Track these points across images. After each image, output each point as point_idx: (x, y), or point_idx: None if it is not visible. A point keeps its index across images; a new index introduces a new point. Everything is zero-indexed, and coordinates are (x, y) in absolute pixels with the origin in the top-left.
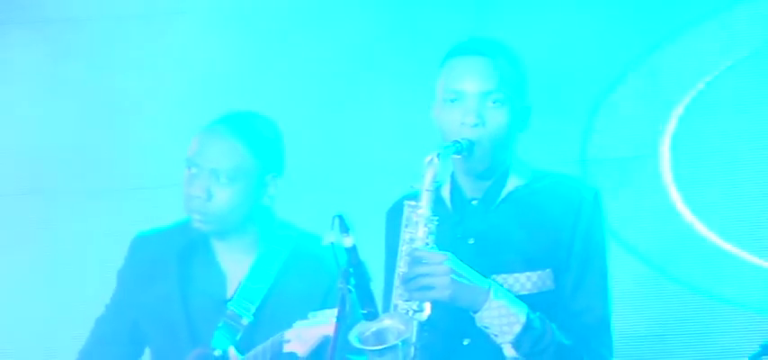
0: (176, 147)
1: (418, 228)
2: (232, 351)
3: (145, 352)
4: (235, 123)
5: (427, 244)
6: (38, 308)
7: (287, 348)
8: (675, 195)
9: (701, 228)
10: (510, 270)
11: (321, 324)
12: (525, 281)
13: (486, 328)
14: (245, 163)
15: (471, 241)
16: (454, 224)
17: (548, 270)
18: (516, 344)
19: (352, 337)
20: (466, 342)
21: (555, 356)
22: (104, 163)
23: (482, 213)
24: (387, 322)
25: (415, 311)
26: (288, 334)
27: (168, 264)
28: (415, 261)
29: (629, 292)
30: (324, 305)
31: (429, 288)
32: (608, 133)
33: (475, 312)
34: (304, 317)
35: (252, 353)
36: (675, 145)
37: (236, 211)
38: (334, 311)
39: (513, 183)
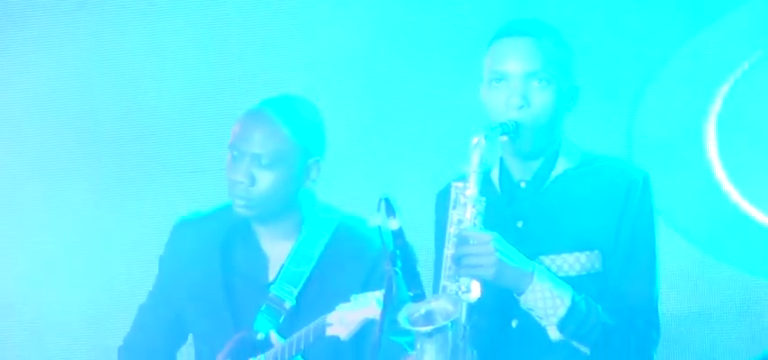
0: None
1: (466, 209)
2: (273, 335)
3: (188, 337)
4: (276, 107)
5: (474, 225)
6: (83, 290)
7: (329, 332)
8: (721, 175)
9: (747, 207)
10: (558, 251)
11: (363, 307)
12: (574, 262)
13: (530, 310)
14: (287, 146)
15: (520, 224)
16: (503, 207)
17: (596, 252)
18: (561, 326)
19: (402, 319)
20: (514, 323)
21: (601, 338)
22: (145, 147)
23: (531, 196)
24: (435, 304)
25: (464, 292)
26: (330, 317)
27: (210, 249)
28: (461, 241)
29: (675, 273)
30: (365, 288)
31: (476, 267)
32: (653, 114)
33: (519, 294)
34: (346, 300)
35: (294, 336)
36: (721, 125)
37: (279, 196)
38: (377, 294)
39: (561, 165)
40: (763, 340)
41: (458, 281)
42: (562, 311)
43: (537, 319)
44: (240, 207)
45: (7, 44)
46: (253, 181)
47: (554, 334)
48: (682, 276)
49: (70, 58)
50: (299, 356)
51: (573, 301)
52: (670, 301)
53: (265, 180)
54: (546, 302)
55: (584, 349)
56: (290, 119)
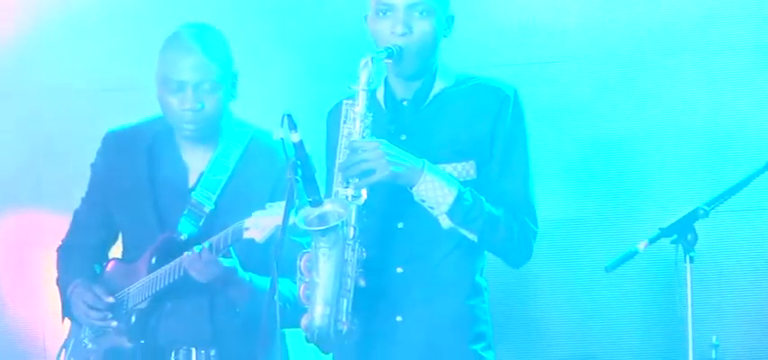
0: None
1: (355, 123)
2: None
3: (118, 237)
4: (203, 36)
5: (363, 137)
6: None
7: (246, 235)
8: None
9: None
10: (437, 161)
11: (277, 214)
12: (451, 170)
13: (422, 201)
14: (225, 70)
15: (403, 137)
16: (388, 122)
17: (471, 161)
18: (451, 213)
19: (298, 220)
20: (400, 225)
21: (487, 224)
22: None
23: (412, 112)
24: (328, 207)
25: (353, 197)
26: (247, 222)
27: (137, 157)
28: (353, 150)
29: None
30: (274, 194)
31: (369, 172)
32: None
33: (411, 187)
34: (260, 205)
35: (214, 238)
36: None
37: (220, 115)
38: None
39: (439, 85)
40: None
41: (348, 186)
42: (451, 199)
43: (429, 209)
44: (188, 130)
45: None
46: (202, 106)
47: (445, 221)
48: None
49: None
50: (227, 254)
51: (459, 191)
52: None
53: (211, 103)
54: (436, 193)
55: (473, 236)
56: (218, 46)
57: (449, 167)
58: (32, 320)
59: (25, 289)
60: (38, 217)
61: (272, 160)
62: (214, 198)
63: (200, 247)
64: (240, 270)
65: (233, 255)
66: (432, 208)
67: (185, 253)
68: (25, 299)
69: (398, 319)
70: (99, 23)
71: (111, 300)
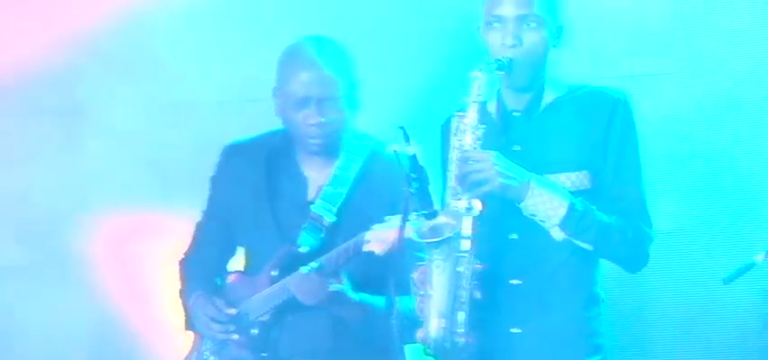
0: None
1: (466, 135)
2: None
3: (238, 249)
4: (324, 49)
5: (474, 148)
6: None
7: (366, 248)
8: None
9: None
10: (550, 172)
11: (396, 226)
12: (565, 180)
13: (532, 215)
14: (347, 83)
15: (516, 148)
16: (499, 134)
17: (584, 172)
18: (563, 225)
19: (412, 234)
20: (514, 236)
21: (600, 233)
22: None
23: (524, 123)
24: (442, 219)
25: (467, 209)
26: (367, 235)
27: (256, 170)
28: (464, 161)
29: None
30: (394, 205)
31: (479, 183)
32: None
33: (520, 202)
34: (380, 217)
35: (334, 251)
36: None
37: (344, 128)
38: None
39: (550, 96)
40: None
41: (462, 198)
42: (562, 212)
43: (540, 222)
44: (315, 144)
45: None
46: (330, 120)
47: (557, 234)
48: None
49: None
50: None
51: (571, 202)
52: None
53: (336, 117)
54: (546, 206)
55: (587, 246)
56: (343, 61)
57: (562, 177)
58: (154, 333)
59: (148, 302)
60: (162, 226)
61: (391, 173)
62: (334, 211)
63: (308, 268)
64: (350, 292)
65: (344, 277)
66: (543, 221)
67: (295, 273)
68: (147, 312)
69: (515, 331)
70: (217, 36)
71: (232, 312)
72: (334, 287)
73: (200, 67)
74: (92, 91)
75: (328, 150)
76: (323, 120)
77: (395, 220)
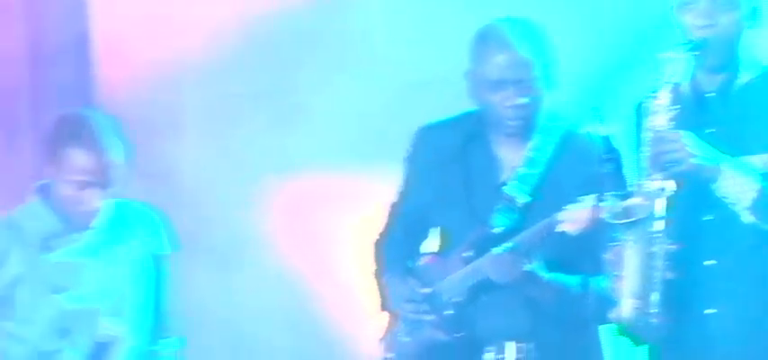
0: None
1: (660, 116)
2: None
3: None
4: (520, 31)
5: (668, 129)
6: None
7: (559, 228)
8: None
9: None
10: (746, 153)
11: (590, 207)
12: (759, 162)
13: (724, 197)
14: (543, 64)
15: (710, 130)
16: (693, 115)
17: None
18: (753, 208)
19: (605, 215)
20: (708, 217)
21: None
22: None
23: (718, 104)
24: (635, 200)
25: (660, 190)
26: (560, 215)
27: (450, 151)
28: (657, 141)
29: None
30: (588, 187)
31: (672, 164)
32: None
33: (712, 183)
34: (573, 199)
35: (528, 231)
36: None
37: (540, 110)
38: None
39: (745, 76)
40: None
41: (655, 179)
42: (753, 194)
43: (730, 205)
44: (513, 126)
45: None
46: (523, 102)
47: (747, 217)
48: None
49: None
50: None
51: (763, 184)
52: None
53: (531, 98)
54: (737, 188)
55: None
56: (541, 40)
57: (758, 159)
58: (346, 315)
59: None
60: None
61: (586, 154)
62: (528, 192)
63: (501, 249)
64: (542, 272)
65: (536, 257)
66: (733, 204)
67: (488, 254)
68: (340, 293)
69: (709, 312)
70: (405, 19)
71: (426, 291)
72: (527, 267)
73: (407, 47)
74: (309, 74)
75: (524, 131)
76: (521, 101)
77: (588, 201)
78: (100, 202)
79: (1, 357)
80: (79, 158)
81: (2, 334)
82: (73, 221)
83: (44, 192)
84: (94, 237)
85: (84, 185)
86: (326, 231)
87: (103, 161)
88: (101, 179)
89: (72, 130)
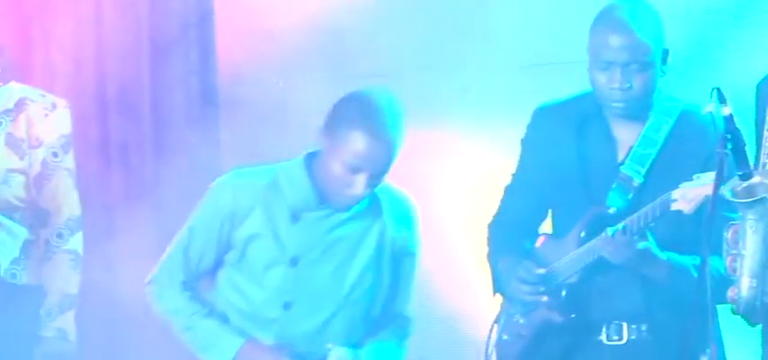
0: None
1: None
2: None
3: (548, 212)
4: (636, 13)
5: None
6: None
7: (674, 207)
8: None
9: None
10: None
11: (705, 184)
12: None
13: None
14: (656, 49)
15: None
16: None
17: None
18: None
19: (726, 192)
20: None
21: None
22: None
23: None
24: (757, 179)
25: None
26: (675, 193)
27: (567, 132)
28: None
29: None
30: (704, 168)
31: None
32: None
33: None
34: (688, 178)
35: (642, 210)
36: None
37: (649, 93)
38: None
39: None
40: None
41: None
42: None
43: None
44: (618, 108)
45: None
46: (631, 85)
47: None
48: None
49: None
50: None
51: None
52: None
53: (639, 82)
54: None
55: None
56: (652, 22)
57: None
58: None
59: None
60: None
61: (703, 134)
62: (643, 172)
63: (614, 229)
64: (656, 250)
65: (649, 236)
66: None
67: (602, 234)
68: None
69: None
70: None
71: (542, 271)
72: (640, 245)
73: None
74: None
75: (634, 113)
76: (627, 85)
77: (703, 177)
78: (367, 190)
79: (225, 305)
80: (359, 143)
81: (232, 284)
82: (331, 200)
83: (309, 160)
84: (346, 221)
85: (357, 170)
86: (441, 215)
87: (385, 153)
88: (375, 169)
89: (361, 112)
